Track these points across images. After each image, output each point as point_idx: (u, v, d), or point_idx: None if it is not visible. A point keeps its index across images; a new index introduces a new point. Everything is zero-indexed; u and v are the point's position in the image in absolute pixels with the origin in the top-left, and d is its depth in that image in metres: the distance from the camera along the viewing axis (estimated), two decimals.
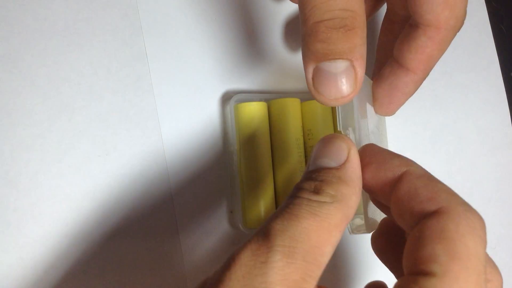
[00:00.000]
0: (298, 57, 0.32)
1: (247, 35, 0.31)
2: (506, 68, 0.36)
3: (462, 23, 0.24)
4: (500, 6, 0.36)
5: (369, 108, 0.26)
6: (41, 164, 0.27)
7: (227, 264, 0.18)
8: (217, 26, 0.31)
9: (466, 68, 0.35)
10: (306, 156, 0.29)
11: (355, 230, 0.26)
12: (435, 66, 0.25)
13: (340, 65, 0.20)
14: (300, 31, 0.21)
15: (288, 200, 0.20)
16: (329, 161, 0.21)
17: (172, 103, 0.30)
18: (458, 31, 0.24)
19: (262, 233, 0.18)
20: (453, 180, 0.34)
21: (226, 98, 0.30)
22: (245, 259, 0.18)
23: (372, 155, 0.22)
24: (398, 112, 0.27)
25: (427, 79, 0.26)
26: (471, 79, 0.35)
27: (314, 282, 0.18)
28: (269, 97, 0.29)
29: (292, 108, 0.29)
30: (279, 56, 0.31)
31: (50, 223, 0.27)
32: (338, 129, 0.24)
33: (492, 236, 0.33)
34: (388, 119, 0.31)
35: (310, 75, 0.21)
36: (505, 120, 0.35)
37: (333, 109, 0.30)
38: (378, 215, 0.25)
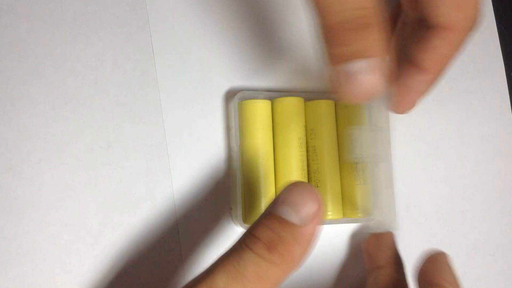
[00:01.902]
0: (303, 55, 0.32)
1: (254, 33, 0.31)
2: (507, 68, 0.35)
3: (476, 24, 0.24)
4: (500, 6, 0.36)
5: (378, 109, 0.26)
6: (43, 153, 0.28)
7: None
8: (224, 22, 0.31)
9: (471, 74, 0.35)
10: (308, 156, 0.29)
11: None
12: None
13: (361, 65, 0.20)
14: (314, 32, 0.21)
15: (239, 245, 0.20)
16: (294, 216, 0.20)
17: (176, 98, 0.30)
18: (472, 32, 0.24)
19: (209, 282, 0.19)
20: (454, 186, 0.34)
21: (230, 95, 0.30)
22: None
23: None
24: (401, 117, 0.27)
25: None
26: (476, 85, 0.35)
27: None
28: (273, 95, 0.29)
29: (296, 107, 0.29)
30: (285, 55, 0.31)
31: (51, 212, 0.27)
32: (350, 156, 0.25)
33: (492, 244, 0.33)
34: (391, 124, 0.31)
35: (333, 78, 0.21)
36: (509, 128, 0.35)
37: (337, 111, 0.30)
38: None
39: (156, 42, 0.30)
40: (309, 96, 0.30)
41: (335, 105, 0.30)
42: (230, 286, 0.19)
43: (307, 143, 0.30)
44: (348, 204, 0.30)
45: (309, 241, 0.20)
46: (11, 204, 0.27)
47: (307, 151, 0.30)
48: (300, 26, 0.32)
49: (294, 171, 0.29)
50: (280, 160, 0.29)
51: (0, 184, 0.27)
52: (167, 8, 0.30)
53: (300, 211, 0.20)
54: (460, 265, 0.32)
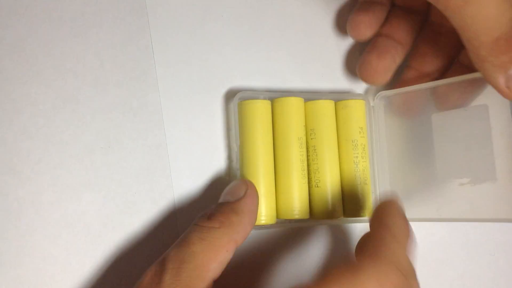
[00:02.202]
0: (303, 56, 0.32)
1: (254, 33, 0.31)
2: None
3: None
4: None
5: None
6: (43, 153, 0.28)
7: (136, 286, 0.23)
8: (224, 23, 0.31)
9: None
10: (308, 156, 0.29)
11: None
12: None
13: None
14: (469, 49, 0.24)
15: (189, 227, 0.25)
16: (230, 197, 0.26)
17: (176, 98, 0.30)
18: None
19: (161, 260, 0.24)
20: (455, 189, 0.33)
21: (230, 95, 0.30)
22: (145, 283, 0.23)
23: None
24: None
25: None
26: None
27: None
28: (273, 95, 0.29)
29: (296, 107, 0.29)
30: (285, 55, 0.31)
31: (51, 213, 0.27)
32: None
33: (491, 244, 0.33)
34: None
35: (503, 84, 0.24)
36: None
37: (336, 111, 0.30)
38: None
39: (156, 42, 0.30)
40: (309, 96, 0.30)
41: (335, 105, 0.30)
42: (178, 253, 0.23)
43: (307, 143, 0.30)
44: (348, 204, 0.30)
45: (244, 211, 0.25)
46: (11, 204, 0.27)
47: (307, 151, 0.30)
48: (300, 26, 0.32)
49: (294, 171, 0.29)
50: (280, 160, 0.29)
51: (0, 185, 0.27)
52: (167, 8, 0.30)
53: (235, 194, 0.26)
54: (460, 265, 0.32)
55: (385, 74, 0.29)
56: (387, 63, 0.29)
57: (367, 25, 0.29)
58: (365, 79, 0.30)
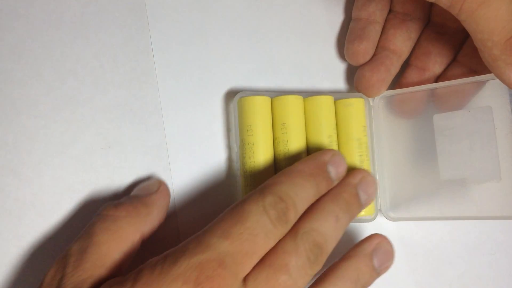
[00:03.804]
0: (303, 56, 0.32)
1: (254, 33, 0.31)
2: None
3: None
4: None
5: None
6: (44, 154, 0.28)
7: (39, 284, 0.23)
8: (224, 22, 0.31)
9: None
10: (308, 154, 0.29)
11: None
12: None
13: None
14: (481, 49, 0.25)
15: (94, 217, 0.25)
16: (141, 192, 0.27)
17: (176, 99, 0.30)
18: None
19: (63, 256, 0.23)
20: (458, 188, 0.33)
21: (230, 95, 0.30)
22: (48, 278, 0.23)
23: None
24: None
25: None
26: None
27: (97, 279, 0.22)
28: (273, 95, 0.29)
29: (296, 105, 0.29)
30: (285, 55, 0.31)
31: (51, 214, 0.27)
32: None
33: (492, 243, 0.33)
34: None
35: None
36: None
37: (336, 108, 0.30)
38: None
39: (156, 42, 0.30)
40: (309, 96, 0.30)
41: (336, 104, 0.30)
42: (80, 246, 0.23)
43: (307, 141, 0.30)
44: None
45: (153, 205, 0.26)
46: (11, 205, 0.27)
47: (307, 150, 0.29)
48: (300, 26, 0.32)
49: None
50: (280, 158, 0.29)
51: (0, 186, 0.27)
52: (166, 8, 0.30)
53: (147, 189, 0.27)
54: (461, 264, 0.32)
55: (379, 87, 0.30)
56: (381, 75, 0.29)
57: (364, 53, 0.30)
58: (360, 92, 0.30)
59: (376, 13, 0.30)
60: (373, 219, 0.30)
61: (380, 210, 0.30)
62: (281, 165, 0.29)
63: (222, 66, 0.30)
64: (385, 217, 0.30)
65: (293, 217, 0.24)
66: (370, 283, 0.26)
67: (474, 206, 0.29)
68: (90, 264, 0.23)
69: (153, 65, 0.30)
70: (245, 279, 0.22)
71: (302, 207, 0.24)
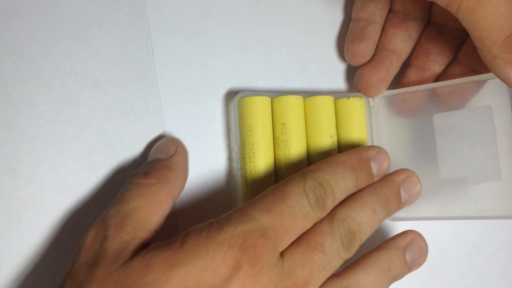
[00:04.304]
0: (303, 56, 0.32)
1: (254, 33, 0.31)
2: None
3: None
4: None
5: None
6: (44, 154, 0.28)
7: (78, 247, 0.24)
8: (224, 23, 0.31)
9: None
10: (308, 155, 0.29)
11: None
12: None
13: None
14: (480, 48, 0.25)
15: (124, 186, 0.25)
16: (160, 155, 0.27)
17: (176, 98, 0.30)
18: None
19: (101, 219, 0.24)
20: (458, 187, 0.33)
21: (230, 95, 0.30)
22: (89, 240, 0.23)
23: None
24: None
25: None
26: None
27: (141, 241, 0.23)
28: (273, 95, 0.29)
29: (296, 106, 0.29)
30: (285, 55, 0.31)
31: (51, 214, 0.27)
32: None
33: (492, 242, 0.33)
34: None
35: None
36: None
37: (336, 107, 0.30)
38: None
39: (156, 43, 0.30)
40: (309, 96, 0.30)
41: (335, 102, 0.30)
42: (119, 211, 0.24)
43: (307, 140, 0.30)
44: None
45: (177, 167, 0.27)
46: (11, 205, 0.27)
47: (307, 148, 0.30)
48: (300, 26, 0.32)
49: (294, 168, 0.29)
50: (280, 157, 0.29)
51: (0, 186, 0.27)
52: (166, 8, 0.30)
53: (166, 151, 0.27)
54: (461, 264, 0.32)
55: (379, 87, 0.30)
56: (381, 76, 0.29)
57: (363, 53, 0.30)
58: (360, 92, 0.30)
59: (375, 13, 0.30)
60: None
61: None
62: (281, 165, 0.29)
63: (222, 66, 0.30)
64: None
65: (330, 204, 0.25)
66: (400, 276, 0.27)
67: (474, 206, 0.29)
68: (132, 227, 0.23)
69: (153, 65, 0.30)
70: (282, 254, 0.23)
71: (340, 196, 0.25)
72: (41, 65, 0.28)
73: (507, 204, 0.28)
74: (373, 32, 0.30)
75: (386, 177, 0.28)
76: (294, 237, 0.24)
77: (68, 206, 0.28)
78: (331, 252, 0.24)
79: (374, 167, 0.27)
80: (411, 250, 0.27)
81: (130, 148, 0.29)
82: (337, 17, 0.32)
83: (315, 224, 0.25)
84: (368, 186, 0.27)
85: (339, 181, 0.25)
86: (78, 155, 0.28)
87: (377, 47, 0.30)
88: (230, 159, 0.30)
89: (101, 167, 0.28)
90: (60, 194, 0.28)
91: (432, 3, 0.30)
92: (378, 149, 0.28)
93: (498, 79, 0.26)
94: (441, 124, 0.29)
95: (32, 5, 0.28)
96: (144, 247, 0.23)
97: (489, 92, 0.28)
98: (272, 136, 0.29)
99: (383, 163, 0.27)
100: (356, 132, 0.30)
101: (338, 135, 0.30)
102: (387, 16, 0.31)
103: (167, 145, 0.28)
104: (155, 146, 0.28)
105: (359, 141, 0.30)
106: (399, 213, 0.30)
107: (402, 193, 0.28)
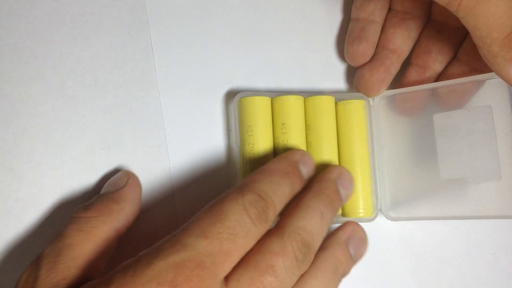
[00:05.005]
0: (303, 56, 0.32)
1: (254, 33, 0.31)
2: None
3: None
4: None
5: None
6: (44, 154, 0.28)
7: None
8: (224, 23, 0.31)
9: None
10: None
11: None
12: None
13: None
14: (480, 46, 0.25)
15: (67, 220, 0.24)
16: (110, 188, 0.26)
17: (177, 99, 0.30)
18: None
19: (36, 259, 0.23)
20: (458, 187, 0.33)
21: (230, 95, 0.30)
22: (21, 282, 0.23)
23: None
24: None
25: None
26: None
27: (73, 280, 0.22)
28: (273, 95, 0.29)
29: (296, 105, 0.29)
30: (285, 55, 0.31)
31: (51, 214, 0.27)
32: None
33: (492, 242, 0.33)
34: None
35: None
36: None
37: (337, 108, 0.30)
38: None
39: (156, 43, 0.30)
40: (309, 96, 0.30)
41: (335, 103, 0.30)
42: (54, 248, 0.23)
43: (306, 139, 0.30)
44: (348, 204, 0.30)
45: (124, 200, 0.25)
46: (11, 205, 0.27)
47: (307, 147, 0.29)
48: (300, 26, 0.32)
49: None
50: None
51: (0, 186, 0.27)
52: (166, 9, 0.30)
53: (116, 184, 0.26)
54: (461, 264, 0.32)
55: (379, 87, 0.30)
56: (381, 75, 0.29)
57: (363, 54, 0.30)
58: (360, 92, 0.30)
59: (375, 13, 0.30)
60: (373, 219, 0.30)
61: (380, 210, 0.30)
62: None
63: (222, 66, 0.30)
64: (385, 217, 0.30)
65: (272, 216, 0.23)
66: (348, 271, 0.26)
67: (474, 206, 0.29)
68: (64, 266, 0.22)
69: (153, 65, 0.30)
70: (227, 280, 0.21)
71: (280, 206, 0.24)
72: (41, 65, 0.28)
73: (507, 204, 0.28)
74: (373, 32, 0.30)
75: (322, 177, 0.27)
76: (236, 259, 0.22)
77: (68, 206, 0.28)
78: (283, 272, 0.22)
79: (303, 170, 0.26)
80: (352, 243, 0.26)
81: (130, 148, 0.29)
82: (337, 17, 0.32)
83: (263, 241, 0.23)
84: (310, 190, 0.26)
85: (277, 190, 0.24)
86: (78, 155, 0.28)
87: (377, 46, 0.30)
88: (230, 159, 0.30)
89: (101, 167, 0.28)
90: (60, 194, 0.28)
91: (432, 2, 0.30)
92: (303, 152, 0.27)
93: (498, 79, 0.26)
94: (441, 124, 0.29)
95: (32, 5, 0.28)
96: (77, 286, 0.22)
97: (489, 92, 0.28)
98: (272, 136, 0.29)
99: (310, 165, 0.27)
100: (356, 132, 0.30)
101: (338, 136, 0.30)
102: (386, 15, 0.31)
103: (119, 178, 0.27)
104: (108, 180, 0.27)
105: (360, 141, 0.30)
106: (399, 213, 0.30)
107: (341, 189, 0.27)
